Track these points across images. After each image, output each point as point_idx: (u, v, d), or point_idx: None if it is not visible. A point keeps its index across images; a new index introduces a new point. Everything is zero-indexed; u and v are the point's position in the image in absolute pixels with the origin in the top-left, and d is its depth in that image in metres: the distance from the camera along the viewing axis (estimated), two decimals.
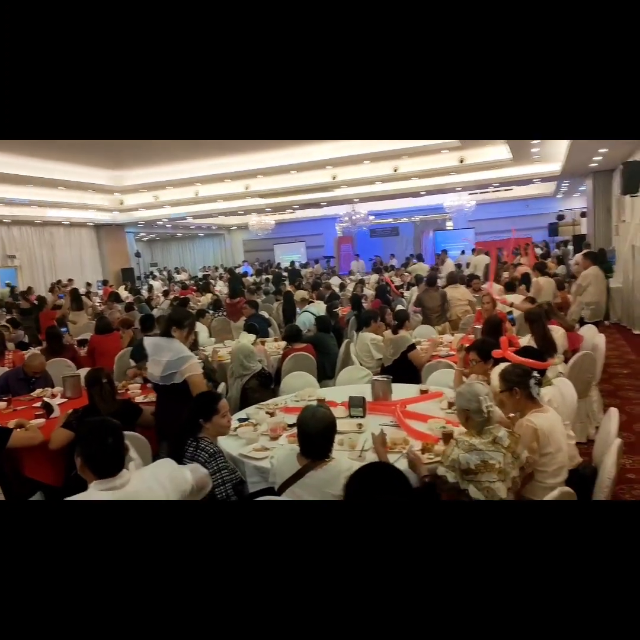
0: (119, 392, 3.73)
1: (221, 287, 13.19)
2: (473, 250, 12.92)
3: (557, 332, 4.19)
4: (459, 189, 14.36)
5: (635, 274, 7.54)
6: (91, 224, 15.82)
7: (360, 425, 2.90)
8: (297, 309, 7.09)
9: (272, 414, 3.24)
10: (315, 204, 16.15)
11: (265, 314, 7.34)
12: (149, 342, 3.22)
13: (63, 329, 6.22)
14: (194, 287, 13.14)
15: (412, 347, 4.40)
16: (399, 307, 6.75)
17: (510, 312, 4.85)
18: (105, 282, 15.01)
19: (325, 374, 4.84)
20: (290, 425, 3.02)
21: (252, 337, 4.30)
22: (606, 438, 2.54)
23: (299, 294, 7.41)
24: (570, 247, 13.56)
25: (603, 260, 8.46)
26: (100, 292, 13.85)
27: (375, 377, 3.58)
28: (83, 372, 4.31)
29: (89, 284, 14.15)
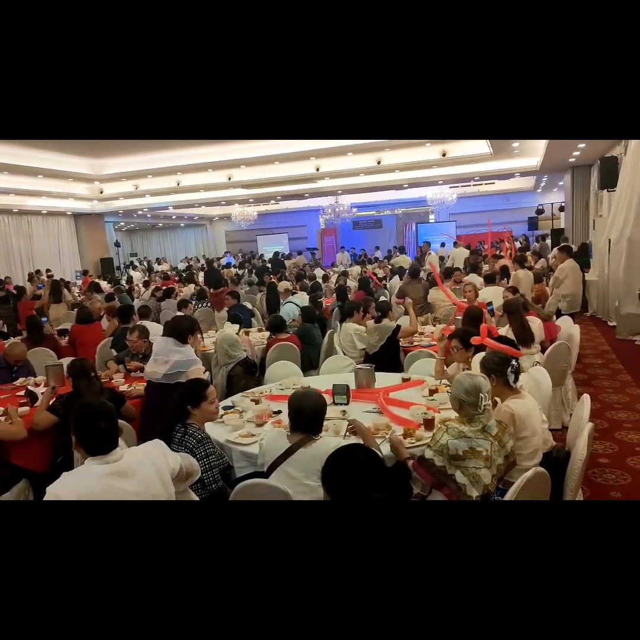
0: (102, 381, 3.74)
1: (202, 278, 13.13)
2: (454, 243, 13.06)
3: (535, 323, 4.30)
4: (441, 182, 14.50)
5: (610, 267, 7.75)
6: (70, 213, 15.56)
7: (344, 411, 2.97)
8: (281, 300, 7.12)
9: (257, 402, 3.29)
10: (299, 195, 16.12)
11: (249, 305, 7.36)
12: (160, 341, 3.41)
13: (43, 319, 6.16)
14: (176, 278, 13.05)
15: (398, 328, 4.53)
16: (382, 298, 6.84)
17: (489, 303, 4.97)
18: (85, 272, 14.80)
19: (311, 364, 4.90)
20: (275, 413, 3.08)
21: (236, 326, 4.34)
22: (579, 423, 2.64)
23: (283, 285, 7.44)
24: (548, 241, 13.82)
25: (583, 254, 8.65)
26: (79, 282, 13.67)
27: (359, 366, 3.65)
28: (65, 361, 4.30)
29: (64, 279, 13.88)
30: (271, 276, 10.23)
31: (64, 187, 12.70)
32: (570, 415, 3.86)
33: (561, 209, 15.25)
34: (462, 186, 16.54)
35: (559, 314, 6.38)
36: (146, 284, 11.12)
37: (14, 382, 4.08)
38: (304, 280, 9.27)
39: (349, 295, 6.97)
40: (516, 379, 2.49)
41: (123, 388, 3.77)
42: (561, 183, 15.10)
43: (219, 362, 4.03)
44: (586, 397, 2.77)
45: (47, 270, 13.29)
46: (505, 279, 6.76)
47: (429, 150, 10.88)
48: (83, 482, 1.76)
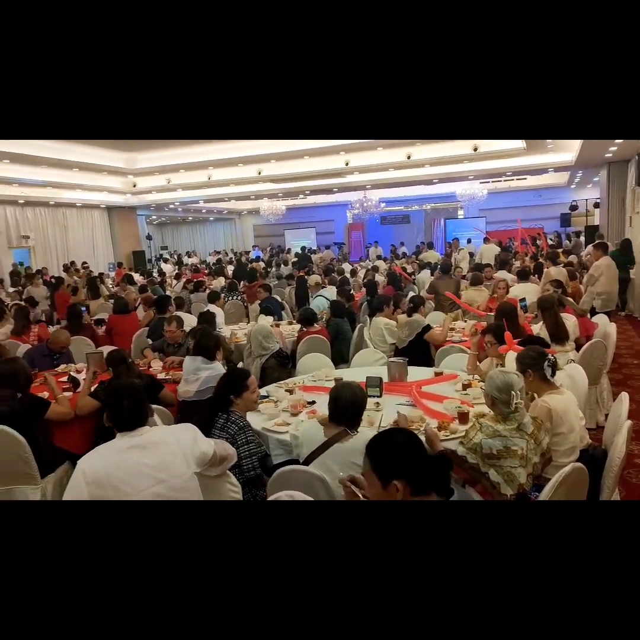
0: (141, 368, 3.86)
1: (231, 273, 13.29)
2: (484, 239, 12.89)
3: (569, 320, 4.25)
4: (472, 177, 14.31)
5: None
6: (103, 206, 15.92)
7: (377, 403, 3.00)
8: (311, 294, 7.18)
9: (291, 392, 3.35)
10: (328, 190, 16.13)
11: (278, 298, 7.45)
12: (189, 361, 3.46)
13: (82, 308, 6.36)
14: (205, 271, 13.24)
15: (428, 328, 4.51)
16: (411, 293, 6.83)
17: (522, 299, 4.92)
18: (119, 265, 15.16)
19: (342, 358, 4.93)
20: (310, 403, 3.14)
21: (270, 318, 4.41)
22: (617, 421, 2.61)
23: (313, 279, 7.49)
24: (582, 238, 13.51)
25: (627, 252, 8.36)
26: (113, 274, 14.00)
27: (392, 359, 3.67)
28: (105, 349, 4.45)
29: (102, 274, 14.20)
30: (299, 270, 10.32)
31: (98, 180, 13.00)
32: (606, 415, 3.81)
33: (596, 205, 14.87)
34: (493, 182, 16.30)
35: (593, 312, 6.26)
36: (178, 277, 11.32)
37: (56, 369, 4.24)
38: (332, 274, 9.30)
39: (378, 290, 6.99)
40: (553, 373, 2.47)
41: (161, 376, 3.88)
42: (596, 179, 14.72)
43: (252, 353, 4.11)
44: (625, 395, 2.74)
45: (83, 263, 13.64)
46: (536, 275, 6.68)
47: (460, 145, 10.75)
48: (105, 455, 1.88)
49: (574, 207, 16.26)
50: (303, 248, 16.55)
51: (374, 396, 3.15)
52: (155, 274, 12.77)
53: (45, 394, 3.33)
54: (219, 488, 2.12)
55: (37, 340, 5.16)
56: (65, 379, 3.80)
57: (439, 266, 7.73)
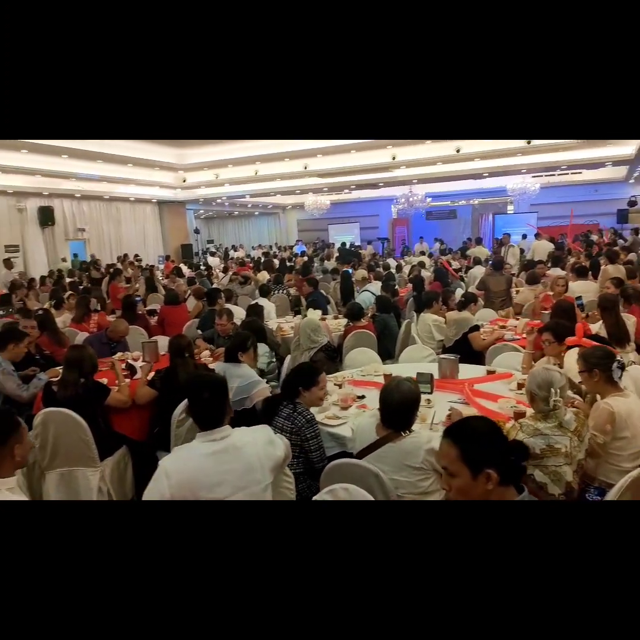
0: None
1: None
2: (536, 235, 12.48)
3: (629, 320, 4.07)
4: (524, 171, 13.86)
5: None
6: (155, 200, 16.39)
7: (428, 400, 2.97)
8: (357, 288, 7.16)
9: (340, 386, 3.36)
10: (373, 185, 16.01)
11: (323, 292, 7.47)
12: (219, 369, 3.28)
13: (137, 298, 6.60)
14: (251, 265, 13.43)
15: (475, 328, 4.41)
16: (458, 290, 6.71)
17: (579, 298, 4.74)
18: (167, 258, 15.60)
19: (388, 354, 4.90)
20: (360, 397, 3.14)
21: (319, 312, 4.43)
22: None
23: (360, 274, 7.48)
24: None
25: None
26: (162, 266, 14.41)
27: (443, 356, 3.62)
28: (159, 339, 4.61)
29: (152, 266, 14.60)
30: (343, 265, 10.31)
31: (151, 175, 13.40)
32: None
33: None
34: (545, 176, 15.73)
35: None
36: (225, 270, 11.53)
37: (113, 357, 4.40)
38: (378, 269, 9.25)
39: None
40: (621, 375, 2.38)
41: (212, 366, 3.96)
42: None
43: (301, 346, 4.14)
44: None
45: (136, 256, 14.06)
46: (591, 272, 6.41)
47: None
48: (188, 460, 1.84)
49: (633, 203, 15.52)
50: (344, 243, 16.50)
51: (424, 392, 3.11)
52: (202, 267, 13.07)
53: (104, 380, 3.47)
54: (276, 479, 2.14)
55: (97, 328, 5.39)
56: (123, 365, 3.95)
57: (489, 262, 7.54)
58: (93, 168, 11.79)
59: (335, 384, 3.41)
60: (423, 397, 3.01)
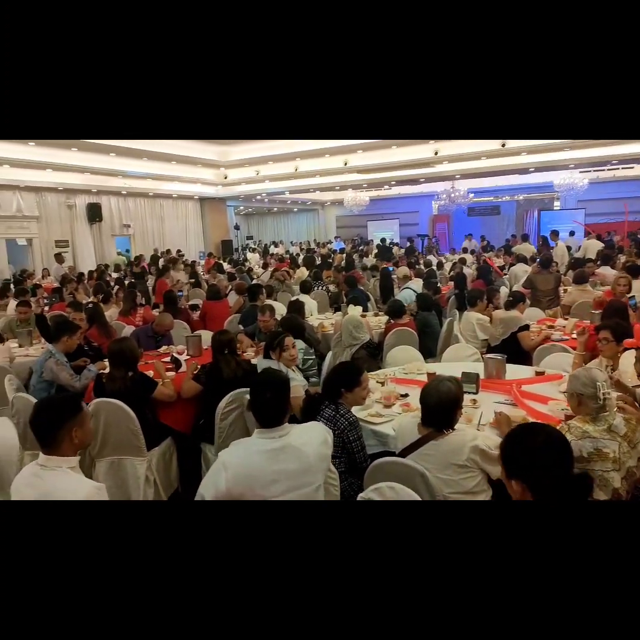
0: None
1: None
2: (586, 233, 12.04)
3: None
4: (572, 166, 13.37)
5: None
6: (196, 197, 16.72)
7: (474, 400, 2.90)
8: (399, 286, 7.10)
9: (382, 384, 3.33)
10: (414, 180, 15.79)
11: (363, 289, 7.43)
12: (260, 364, 3.36)
13: (180, 293, 6.74)
14: (289, 261, 13.50)
15: (525, 327, 4.28)
16: (502, 288, 6.54)
17: (632, 297, 4.54)
18: (209, 254, 15.88)
19: (430, 352, 4.83)
20: (403, 395, 3.10)
21: (359, 308, 4.40)
22: None
23: (401, 271, 7.40)
24: None
25: None
26: (202, 262, 14.68)
27: (490, 355, 3.53)
28: (203, 333, 4.70)
29: (194, 262, 14.87)
30: (382, 262, 10.24)
31: (193, 172, 13.67)
32: None
33: None
34: (594, 171, 15.13)
35: None
36: (265, 266, 11.63)
37: (158, 350, 4.53)
38: (418, 267, 9.12)
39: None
40: None
41: (254, 361, 4.00)
42: None
43: (342, 342, 4.13)
44: None
45: (179, 251, 14.36)
46: None
47: None
48: (246, 456, 1.87)
49: None
50: (383, 240, 16.35)
51: (469, 392, 3.05)
52: (247, 263, 13.25)
53: (150, 373, 3.56)
54: None
55: (142, 322, 5.55)
56: (167, 359, 4.05)
57: (537, 260, 7.31)
58: (139, 165, 12.12)
59: (377, 382, 3.38)
60: (468, 397, 2.97)
